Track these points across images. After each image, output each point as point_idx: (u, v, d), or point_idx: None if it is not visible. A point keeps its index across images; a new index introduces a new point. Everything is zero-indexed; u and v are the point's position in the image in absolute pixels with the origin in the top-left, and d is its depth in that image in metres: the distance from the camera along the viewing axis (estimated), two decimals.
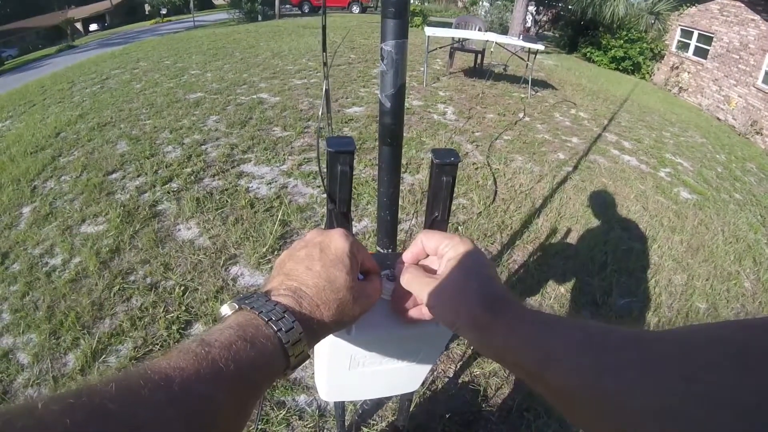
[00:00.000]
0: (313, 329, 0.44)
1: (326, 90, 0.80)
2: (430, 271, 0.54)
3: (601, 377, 0.31)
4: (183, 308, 2.40)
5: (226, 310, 0.43)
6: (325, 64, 0.76)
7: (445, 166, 0.65)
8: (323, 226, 0.63)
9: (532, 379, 0.38)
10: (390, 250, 0.87)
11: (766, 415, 0.22)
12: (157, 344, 2.20)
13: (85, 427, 0.26)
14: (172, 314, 2.36)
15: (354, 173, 0.65)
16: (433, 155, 0.65)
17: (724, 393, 0.24)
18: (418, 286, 0.52)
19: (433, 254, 0.54)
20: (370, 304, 0.53)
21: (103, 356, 2.14)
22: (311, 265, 0.48)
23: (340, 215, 0.66)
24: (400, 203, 0.90)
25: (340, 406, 1.10)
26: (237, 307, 0.43)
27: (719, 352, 0.26)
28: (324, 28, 0.73)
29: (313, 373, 2.10)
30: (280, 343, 0.40)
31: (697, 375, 0.26)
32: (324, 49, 0.74)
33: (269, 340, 0.40)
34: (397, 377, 0.75)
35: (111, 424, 0.27)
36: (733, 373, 0.25)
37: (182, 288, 2.53)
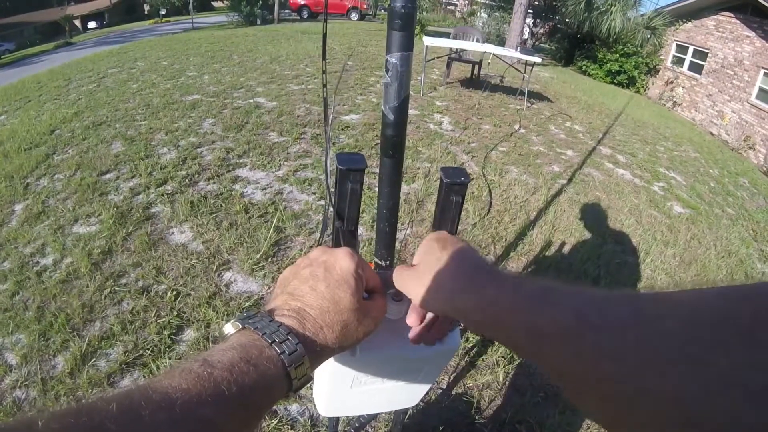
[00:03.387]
0: (316, 351, 0.44)
1: (325, 98, 0.79)
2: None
3: (601, 361, 0.29)
4: (175, 313, 2.38)
5: (229, 328, 0.43)
6: (324, 72, 0.75)
7: (455, 186, 0.64)
8: (318, 235, 0.62)
9: (525, 354, 0.37)
10: (387, 262, 0.86)
11: None
12: (148, 349, 2.17)
13: None
14: (164, 319, 2.33)
15: None
16: (442, 174, 0.64)
17: (735, 374, 0.22)
18: (403, 283, 0.52)
19: None
20: (374, 325, 0.52)
21: (93, 359, 2.11)
22: (315, 285, 0.47)
23: (347, 233, 0.65)
24: None
25: (334, 418, 1.09)
26: (240, 326, 0.42)
27: (727, 330, 0.24)
28: (324, 36, 0.72)
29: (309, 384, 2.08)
30: (283, 366, 0.40)
31: (705, 356, 0.24)
32: (324, 57, 0.74)
33: (272, 363, 0.39)
34: (397, 394, 0.74)
35: None
36: (744, 351, 0.23)
37: (174, 292, 2.51)
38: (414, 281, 0.50)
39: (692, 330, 0.26)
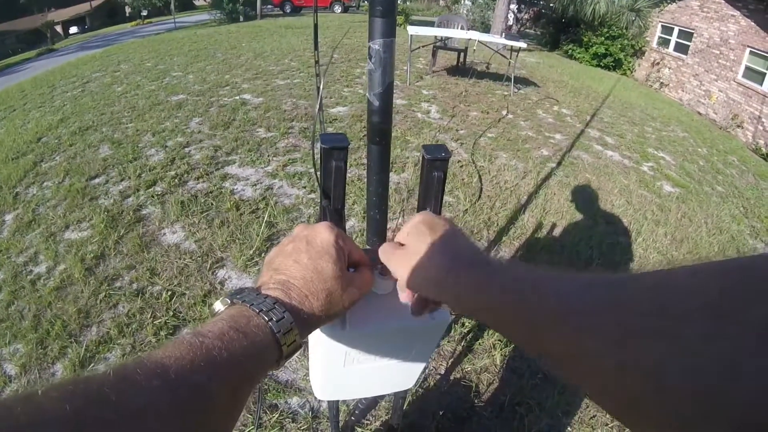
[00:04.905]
0: (303, 319, 0.46)
1: (320, 87, 0.80)
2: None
3: (583, 340, 0.31)
4: (171, 313, 2.38)
5: (219, 306, 0.45)
6: (317, 62, 0.76)
7: (436, 162, 0.65)
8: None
9: (515, 338, 0.40)
10: None
11: (747, 365, 0.22)
12: (146, 351, 2.17)
13: (84, 413, 0.27)
14: (160, 320, 2.33)
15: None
16: (423, 151, 0.66)
17: (701, 344, 0.24)
18: (390, 261, 0.53)
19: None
20: (359, 295, 0.54)
21: (92, 364, 2.11)
22: (298, 258, 0.49)
23: (333, 212, 0.67)
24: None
25: (334, 407, 1.09)
26: (229, 302, 0.44)
27: (694, 304, 0.26)
28: (315, 26, 0.73)
29: (305, 375, 2.09)
30: (271, 333, 0.42)
31: (674, 330, 0.26)
32: (316, 47, 0.74)
33: (261, 330, 0.41)
34: (391, 375, 0.75)
35: (108, 410, 0.28)
36: (710, 324, 0.24)
37: (169, 293, 2.51)
38: (402, 262, 0.51)
39: (663, 307, 0.28)
